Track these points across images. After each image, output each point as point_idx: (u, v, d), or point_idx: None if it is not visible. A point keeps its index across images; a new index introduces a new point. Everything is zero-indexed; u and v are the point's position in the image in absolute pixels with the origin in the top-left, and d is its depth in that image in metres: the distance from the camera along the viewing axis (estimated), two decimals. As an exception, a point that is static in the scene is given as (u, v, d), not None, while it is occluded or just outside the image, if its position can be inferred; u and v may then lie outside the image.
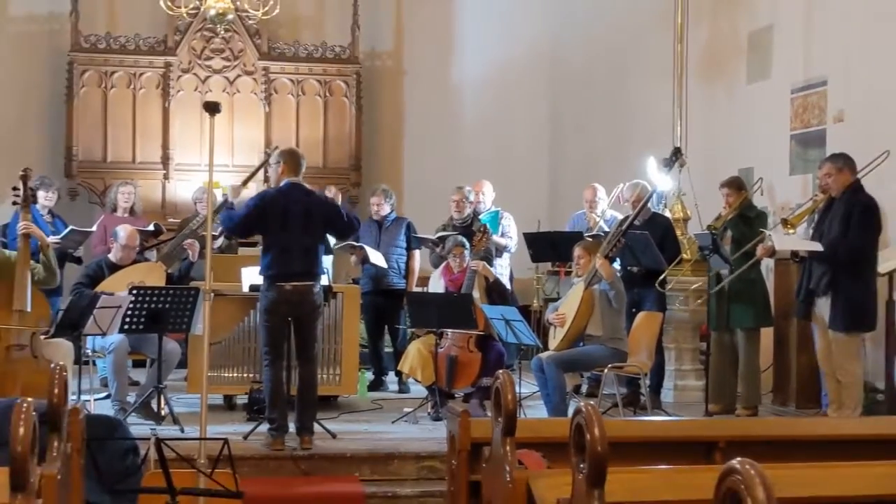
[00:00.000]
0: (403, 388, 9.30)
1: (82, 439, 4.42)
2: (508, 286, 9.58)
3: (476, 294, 8.30)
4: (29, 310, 7.03)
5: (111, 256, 8.31)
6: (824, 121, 9.07)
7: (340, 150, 12.25)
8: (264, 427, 7.12)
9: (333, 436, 7.28)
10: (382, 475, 6.90)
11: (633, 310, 8.32)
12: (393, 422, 7.94)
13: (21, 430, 3.06)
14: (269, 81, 12.14)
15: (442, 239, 9.14)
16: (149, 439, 4.98)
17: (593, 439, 3.21)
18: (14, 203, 7.54)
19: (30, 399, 3.21)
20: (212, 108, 5.84)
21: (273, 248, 7.07)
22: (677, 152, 9.02)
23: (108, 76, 11.90)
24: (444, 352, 8.09)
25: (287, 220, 7.03)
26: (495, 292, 8.48)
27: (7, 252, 7.47)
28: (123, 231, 8.30)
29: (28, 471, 3.10)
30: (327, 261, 8.22)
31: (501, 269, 9.59)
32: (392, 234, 9.45)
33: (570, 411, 7.26)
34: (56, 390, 3.96)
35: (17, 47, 12.05)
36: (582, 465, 3.29)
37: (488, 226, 9.06)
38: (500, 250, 9.57)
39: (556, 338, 7.86)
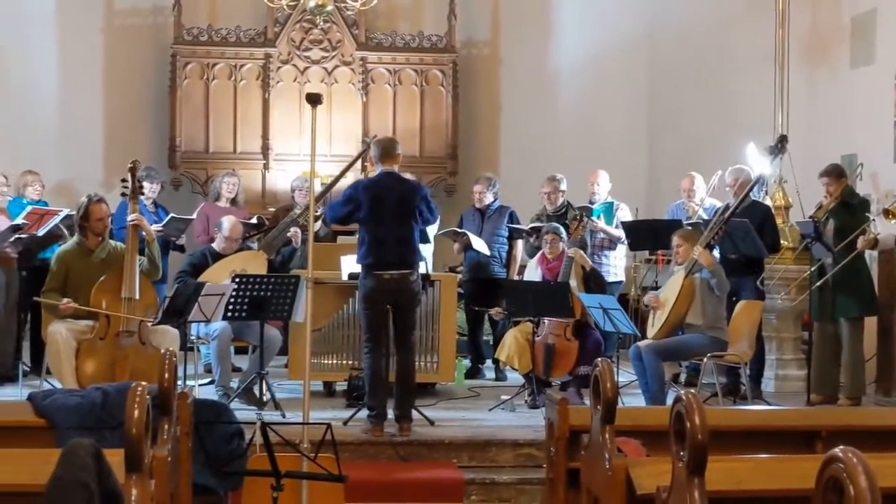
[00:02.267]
0: (500, 375, 9.34)
1: (190, 423, 4.54)
2: (622, 278, 9.53)
3: (573, 282, 8.29)
4: (137, 298, 7.23)
5: (215, 246, 8.50)
6: (930, 106, 8.88)
7: (437, 139, 12.30)
8: (363, 413, 7.22)
9: (431, 423, 7.35)
10: (480, 462, 6.95)
11: (733, 298, 8.23)
12: (490, 409, 7.98)
13: (136, 413, 3.17)
14: (366, 71, 12.23)
15: (535, 230, 9.14)
16: (254, 424, 5.09)
17: (694, 427, 3.22)
18: (123, 195, 7.74)
19: (144, 383, 3.32)
20: (314, 99, 5.94)
21: (368, 237, 7.15)
22: (783, 140, 8.85)
23: (210, 68, 12.10)
24: (541, 340, 8.10)
25: (381, 209, 7.10)
26: (592, 280, 8.46)
27: (114, 242, 7.68)
28: (228, 223, 8.47)
29: (142, 452, 3.20)
30: (426, 249, 8.28)
31: (615, 261, 9.53)
32: (494, 222, 9.43)
33: (669, 400, 7.32)
34: (166, 375, 4.09)
35: (122, 41, 12.33)
36: (682, 454, 3.29)
37: (590, 214, 9.02)
38: (614, 242, 9.45)
39: (654, 326, 7.83)
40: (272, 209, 10.87)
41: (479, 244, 9.16)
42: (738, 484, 3.76)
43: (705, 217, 8.87)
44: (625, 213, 9.63)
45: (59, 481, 2.32)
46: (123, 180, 7.59)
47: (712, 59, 11.83)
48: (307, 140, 11.49)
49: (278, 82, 12.13)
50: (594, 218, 9.24)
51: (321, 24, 12.04)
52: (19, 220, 8.40)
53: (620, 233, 9.38)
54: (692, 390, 3.55)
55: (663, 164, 12.45)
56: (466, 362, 9.40)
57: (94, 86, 12.25)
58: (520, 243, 9.56)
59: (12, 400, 7.24)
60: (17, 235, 8.35)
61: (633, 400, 7.77)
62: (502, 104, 12.97)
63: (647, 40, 12.79)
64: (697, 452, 3.21)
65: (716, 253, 8.20)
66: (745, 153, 9.36)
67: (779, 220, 9.01)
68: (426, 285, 7.95)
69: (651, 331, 7.87)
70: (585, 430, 4.41)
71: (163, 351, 4.35)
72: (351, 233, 9.14)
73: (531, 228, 9.26)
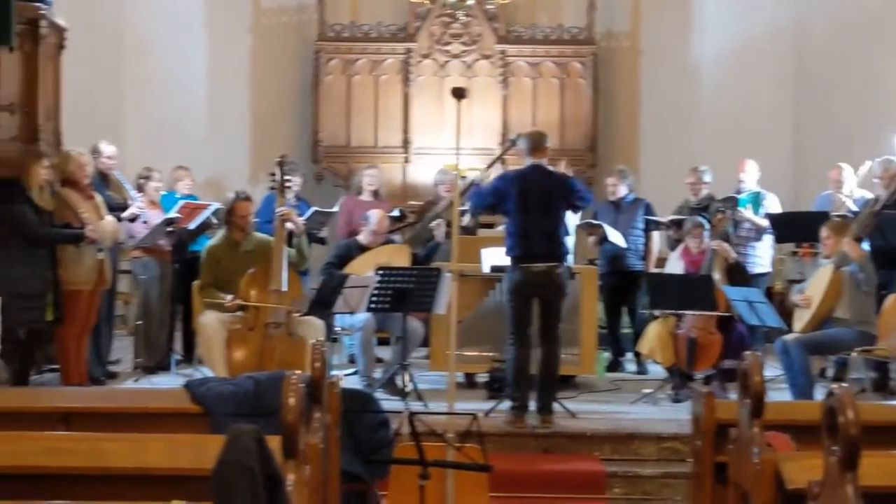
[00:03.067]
0: (641, 368, 9.28)
1: (339, 411, 4.64)
2: (768, 269, 9.37)
3: (716, 275, 8.19)
4: (285, 289, 7.41)
5: (360, 238, 8.64)
6: None
7: (577, 131, 12.25)
8: (504, 405, 7.27)
9: (573, 415, 7.36)
10: (623, 455, 6.94)
11: (882, 292, 8.02)
12: (632, 402, 7.95)
13: (292, 401, 3.27)
14: (506, 65, 12.25)
15: (675, 222, 9.05)
16: (400, 413, 5.18)
17: (846, 422, 3.16)
18: (271, 188, 7.95)
19: (298, 372, 3.42)
20: (459, 93, 6.00)
21: (515, 230, 7.20)
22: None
23: (352, 64, 12.26)
24: (683, 333, 8.03)
25: (528, 202, 7.15)
26: (737, 273, 8.34)
27: (259, 235, 7.90)
28: (375, 217, 8.62)
29: (298, 439, 3.30)
30: (568, 241, 8.27)
31: (761, 252, 9.37)
32: (630, 215, 9.38)
33: (816, 395, 7.19)
34: (317, 364, 4.19)
35: (268, 39, 12.61)
36: (834, 448, 3.25)
37: (736, 206, 8.89)
38: (760, 232, 9.28)
39: (801, 319, 7.68)
40: (413, 202, 10.99)
41: (615, 236, 9.12)
42: (891, 479, 3.69)
43: (854, 209, 8.65)
44: (773, 203, 9.44)
45: (225, 465, 2.42)
46: (272, 174, 7.79)
47: (864, 47, 11.49)
48: (447, 134, 11.64)
49: (419, 76, 12.24)
50: (741, 208, 9.10)
51: (461, 18, 12.12)
52: (172, 214, 8.70)
53: (767, 222, 9.22)
54: (843, 384, 3.50)
55: (810, 154, 12.15)
56: (607, 355, 9.37)
57: (242, 83, 12.56)
58: (656, 235, 9.49)
59: (168, 388, 7.50)
60: (169, 229, 8.64)
61: (779, 395, 7.63)
62: (643, 96, 12.83)
63: (794, 27, 12.45)
64: (850, 447, 3.16)
65: (865, 246, 8.01)
66: (894, 143, 9.10)
67: (932, 211, 8.72)
68: (569, 277, 7.96)
69: (798, 324, 7.73)
70: (732, 424, 4.36)
71: (313, 341, 4.46)
72: (492, 226, 9.19)
73: (671, 221, 9.18)
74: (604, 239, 9.20)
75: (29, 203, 7.36)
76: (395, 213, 9.53)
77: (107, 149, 8.67)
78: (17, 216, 7.32)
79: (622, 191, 9.45)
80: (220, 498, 2.39)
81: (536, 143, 7.34)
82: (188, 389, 4.95)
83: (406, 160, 12.23)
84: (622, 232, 9.23)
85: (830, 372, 8.78)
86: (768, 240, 9.39)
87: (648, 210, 9.46)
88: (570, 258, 7.57)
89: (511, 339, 7.21)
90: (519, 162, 7.77)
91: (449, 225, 8.52)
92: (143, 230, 8.51)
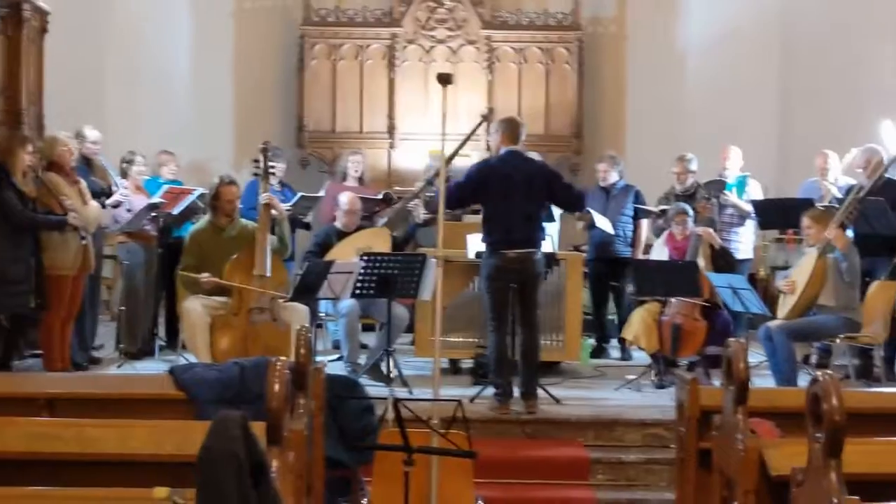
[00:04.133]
0: (626, 355, 9.30)
1: (324, 398, 4.64)
2: (750, 255, 9.38)
3: (701, 262, 8.21)
4: (269, 275, 7.39)
5: (337, 224, 8.62)
6: None
7: (562, 117, 12.25)
8: (489, 391, 7.27)
9: (557, 401, 7.36)
10: (607, 441, 6.95)
11: (867, 279, 8.05)
12: (616, 388, 7.96)
13: (276, 387, 3.26)
14: (491, 50, 12.23)
15: (663, 211, 9.06)
16: (384, 400, 5.18)
17: (831, 409, 3.18)
18: (254, 174, 7.91)
19: (283, 358, 3.41)
20: (445, 79, 5.96)
21: (493, 216, 7.18)
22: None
23: (337, 48, 12.24)
24: (668, 320, 8.04)
25: (506, 188, 7.11)
26: (721, 259, 8.36)
27: (244, 221, 7.87)
28: (345, 197, 8.62)
29: (282, 426, 3.29)
30: (552, 228, 8.28)
31: (744, 238, 9.39)
32: (619, 201, 9.36)
33: (799, 381, 7.21)
34: (302, 350, 4.18)
35: (253, 23, 12.55)
36: (818, 435, 3.26)
37: (722, 189, 8.90)
38: (743, 217, 9.32)
39: (785, 306, 7.70)
40: (398, 188, 10.96)
41: (602, 222, 9.11)
42: (875, 467, 3.71)
43: (839, 196, 8.67)
44: (756, 190, 9.47)
45: (210, 451, 2.40)
46: (255, 161, 7.76)
47: (850, 34, 11.50)
48: (432, 119, 11.62)
49: (404, 62, 12.22)
50: (726, 192, 9.11)
51: (447, 3, 12.10)
52: (156, 199, 8.66)
53: (751, 207, 9.24)
54: (828, 371, 3.51)
55: (795, 141, 12.15)
56: (591, 341, 9.37)
57: (226, 68, 12.51)
58: (645, 223, 9.48)
59: (152, 373, 7.48)
60: (153, 213, 8.60)
61: (762, 381, 7.65)
62: (628, 82, 12.82)
63: (780, 14, 12.44)
64: (835, 434, 3.18)
65: (849, 233, 8.03)
66: (880, 131, 9.12)
67: (916, 199, 8.75)
68: (552, 264, 7.95)
69: (782, 311, 7.75)
70: (716, 411, 4.37)
71: (298, 327, 4.45)
72: (477, 212, 9.17)
73: (661, 210, 9.17)
74: (592, 224, 9.19)
75: (13, 188, 7.31)
76: (380, 195, 9.49)
77: (91, 133, 8.61)
78: (1, 202, 7.26)
79: (613, 177, 9.44)
80: (205, 484, 2.38)
81: (512, 130, 7.31)
82: (172, 375, 4.93)
83: (391, 146, 12.21)
84: (611, 218, 9.22)
85: (814, 359, 8.81)
86: (751, 226, 9.41)
87: (638, 197, 9.45)
88: (552, 244, 7.53)
89: (491, 325, 7.20)
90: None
91: (427, 206, 8.51)
92: (127, 215, 8.47)
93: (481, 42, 12.23)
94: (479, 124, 8.19)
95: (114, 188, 8.52)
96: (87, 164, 8.54)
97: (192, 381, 4.82)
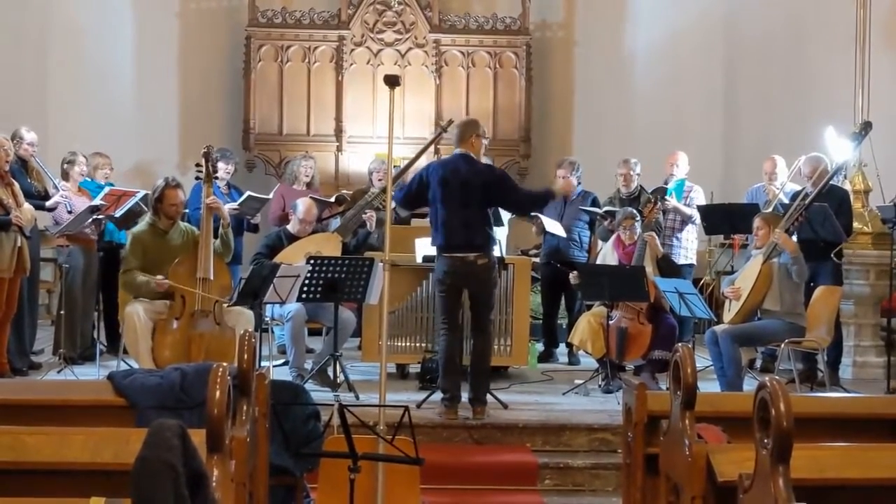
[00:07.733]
0: (573, 360, 9.28)
1: (268, 404, 4.56)
2: (692, 261, 9.40)
3: (648, 267, 8.22)
4: (212, 278, 7.29)
5: (290, 228, 8.54)
6: None
7: (510, 121, 12.25)
8: (437, 396, 7.22)
9: (505, 406, 7.33)
10: (554, 446, 6.93)
11: (811, 284, 8.10)
12: (564, 393, 7.94)
13: (217, 394, 3.18)
14: (439, 54, 12.20)
15: (610, 213, 9.06)
16: (331, 405, 5.11)
17: (779, 415, 3.15)
18: (197, 178, 7.81)
19: (225, 364, 3.33)
20: (392, 81, 5.91)
21: (435, 220, 7.16)
22: (867, 126, 8.62)
23: (284, 50, 12.15)
24: (614, 324, 8.04)
25: (449, 191, 7.06)
26: (665, 265, 8.38)
27: (185, 224, 7.77)
28: (303, 205, 8.51)
29: (224, 433, 3.21)
30: (500, 232, 8.24)
31: (687, 244, 9.40)
32: (576, 207, 9.32)
33: (745, 386, 7.23)
34: (245, 356, 4.10)
35: (197, 24, 12.44)
36: (766, 441, 3.23)
37: (664, 195, 8.91)
38: (686, 222, 9.33)
39: (731, 311, 7.73)
40: (346, 191, 10.90)
41: (553, 227, 9.09)
42: (821, 472, 3.69)
43: (786, 201, 8.72)
44: (699, 196, 9.49)
45: (146, 461, 2.33)
46: (198, 165, 7.66)
47: (793, 40, 11.62)
48: (380, 122, 11.58)
49: (352, 65, 12.15)
50: (668, 197, 9.14)
51: (395, 6, 12.05)
52: (97, 202, 8.51)
53: (693, 211, 9.26)
54: (774, 376, 3.49)
55: (740, 147, 12.25)
56: (539, 346, 9.36)
57: (170, 68, 12.37)
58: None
59: (90, 379, 7.34)
60: (95, 216, 8.45)
61: (708, 385, 7.66)
62: (576, 86, 12.85)
63: (725, 20, 12.54)
64: (783, 440, 3.15)
65: (794, 238, 8.07)
66: (824, 137, 9.20)
67: (857, 205, 8.85)
68: (500, 268, 7.92)
69: (727, 315, 7.78)
70: (664, 416, 4.35)
71: (242, 332, 4.37)
72: (425, 216, 9.13)
73: (605, 212, 9.17)
74: (544, 229, 9.17)
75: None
76: (332, 198, 9.42)
77: (28, 135, 8.44)
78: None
79: (572, 182, 9.41)
80: (140, 496, 2.30)
81: (462, 132, 7.26)
82: (112, 381, 4.83)
83: (339, 149, 12.14)
84: (567, 224, 9.18)
85: (759, 363, 8.86)
86: (694, 230, 9.43)
87: (595, 203, 9.39)
88: (500, 248, 7.49)
89: (441, 329, 7.16)
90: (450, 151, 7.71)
91: (380, 213, 8.46)
92: (68, 217, 8.31)
93: (429, 46, 12.21)
94: (438, 136, 8.15)
95: (51, 191, 8.37)
96: (23, 166, 8.37)
97: (132, 388, 4.72)
